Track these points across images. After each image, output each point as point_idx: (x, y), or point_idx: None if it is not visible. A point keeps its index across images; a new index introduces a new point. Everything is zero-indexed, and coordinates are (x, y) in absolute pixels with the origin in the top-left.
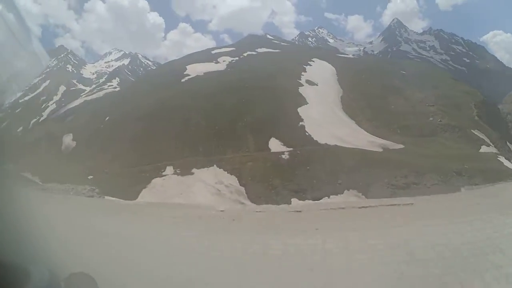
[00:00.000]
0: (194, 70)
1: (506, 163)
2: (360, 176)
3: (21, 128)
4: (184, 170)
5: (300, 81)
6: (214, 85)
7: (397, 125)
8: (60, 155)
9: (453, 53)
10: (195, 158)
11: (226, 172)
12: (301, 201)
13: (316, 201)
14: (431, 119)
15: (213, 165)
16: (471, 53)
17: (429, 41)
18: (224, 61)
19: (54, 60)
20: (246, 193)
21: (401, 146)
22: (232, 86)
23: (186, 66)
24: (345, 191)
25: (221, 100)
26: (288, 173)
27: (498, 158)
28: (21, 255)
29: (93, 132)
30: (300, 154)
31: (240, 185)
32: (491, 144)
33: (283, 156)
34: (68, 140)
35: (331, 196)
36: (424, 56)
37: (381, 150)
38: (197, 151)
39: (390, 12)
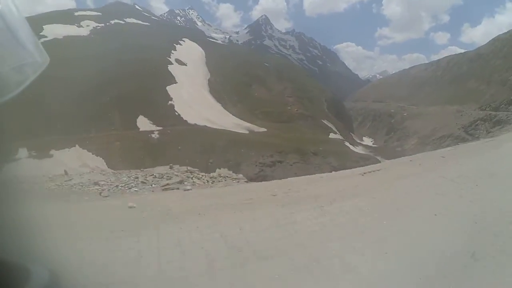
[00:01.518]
0: (52, 31)
1: (351, 147)
2: (230, 156)
3: None
4: (41, 152)
5: (169, 59)
6: (75, 52)
7: (259, 110)
8: None
9: (309, 55)
10: (53, 137)
11: (91, 153)
12: None
13: None
14: (289, 108)
15: (75, 145)
16: (324, 57)
17: (290, 40)
18: (88, 25)
19: None
20: None
21: (264, 129)
22: (96, 56)
23: (43, 26)
24: (217, 170)
25: (83, 70)
26: (160, 153)
27: (345, 143)
28: (21, 255)
29: None
30: (171, 134)
31: (109, 167)
32: (337, 132)
33: (153, 136)
34: None
35: None
36: (283, 53)
37: (247, 132)
38: (55, 128)
39: (260, 8)
